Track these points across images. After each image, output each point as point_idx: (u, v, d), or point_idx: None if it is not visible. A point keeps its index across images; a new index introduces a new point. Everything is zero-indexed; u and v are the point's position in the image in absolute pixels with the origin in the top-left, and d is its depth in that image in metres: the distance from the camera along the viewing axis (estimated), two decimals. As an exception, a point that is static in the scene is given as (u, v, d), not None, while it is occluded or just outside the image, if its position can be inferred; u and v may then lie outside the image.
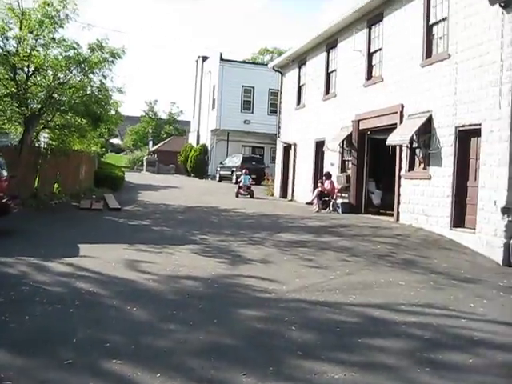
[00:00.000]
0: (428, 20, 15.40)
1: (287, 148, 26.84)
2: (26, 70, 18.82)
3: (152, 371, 4.90)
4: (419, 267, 10.47)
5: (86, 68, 19.20)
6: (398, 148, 16.52)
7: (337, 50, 21.64)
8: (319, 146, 22.71)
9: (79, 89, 19.51)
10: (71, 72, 19.27)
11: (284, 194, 26.64)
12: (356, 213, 18.90)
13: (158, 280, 8.52)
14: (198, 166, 43.75)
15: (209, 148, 44.14)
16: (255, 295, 7.93)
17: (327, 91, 22.47)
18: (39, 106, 19.22)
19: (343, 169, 20.81)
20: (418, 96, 15.66)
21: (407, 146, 16.06)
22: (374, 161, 19.51)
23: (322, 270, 9.83)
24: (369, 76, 18.94)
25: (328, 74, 22.50)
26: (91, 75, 19.79)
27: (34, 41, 18.54)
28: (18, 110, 18.81)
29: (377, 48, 18.53)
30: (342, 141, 20.15)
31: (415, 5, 15.94)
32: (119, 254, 10.54)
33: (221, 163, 39.24)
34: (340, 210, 19.54)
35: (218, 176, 39.14)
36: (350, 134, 19.66)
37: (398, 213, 16.52)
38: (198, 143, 46.88)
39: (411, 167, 16.18)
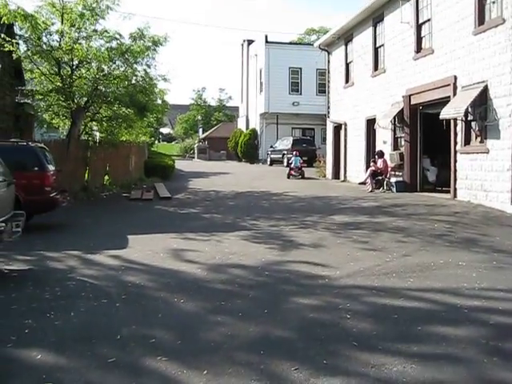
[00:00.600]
0: (479, -16, 14.67)
1: (337, 128, 26.32)
2: (70, 63, 18.96)
3: (198, 368, 4.64)
4: (480, 246, 9.90)
5: (130, 58, 19.16)
6: (452, 122, 15.96)
7: (383, 23, 20.98)
8: (370, 123, 22.15)
9: (123, 79, 19.56)
10: (114, 63, 19.34)
11: (336, 175, 26.20)
12: (411, 191, 18.41)
13: (207, 269, 8.30)
14: (249, 150, 43.61)
15: (258, 132, 43.89)
16: (307, 282, 7.58)
17: (376, 67, 21.88)
18: (85, 99, 19.33)
19: (396, 146, 20.23)
20: (471, 66, 15.02)
21: (462, 120, 15.48)
22: (427, 137, 18.87)
23: (377, 253, 9.41)
24: (418, 48, 18.28)
25: (376, 50, 21.88)
26: (135, 65, 19.80)
27: (76, 34, 18.64)
28: (64, 104, 19.00)
29: (425, 19, 17.84)
30: (394, 117, 19.61)
31: (465, -30, 15.19)
32: (168, 244, 10.42)
33: (271, 147, 38.98)
34: (394, 189, 19.05)
35: (268, 160, 38.91)
36: (402, 110, 19.09)
37: (454, 189, 16.00)
38: (247, 128, 46.70)
39: (467, 141, 15.56)
